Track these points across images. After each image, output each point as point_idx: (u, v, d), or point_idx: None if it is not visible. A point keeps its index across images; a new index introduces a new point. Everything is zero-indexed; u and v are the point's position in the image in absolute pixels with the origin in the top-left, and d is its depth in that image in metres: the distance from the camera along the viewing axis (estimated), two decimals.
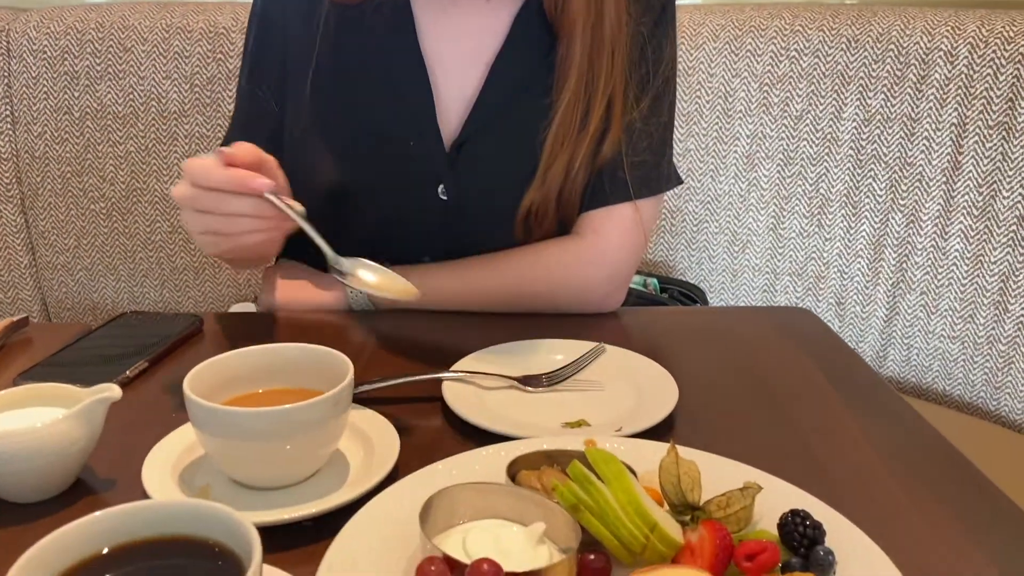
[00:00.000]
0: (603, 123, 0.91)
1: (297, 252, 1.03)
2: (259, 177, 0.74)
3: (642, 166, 0.94)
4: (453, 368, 0.77)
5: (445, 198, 0.94)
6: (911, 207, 1.37)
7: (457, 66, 0.94)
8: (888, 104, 1.36)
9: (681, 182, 1.00)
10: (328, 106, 0.95)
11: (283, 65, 0.97)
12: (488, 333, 0.86)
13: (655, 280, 1.39)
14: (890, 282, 1.41)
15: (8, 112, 1.49)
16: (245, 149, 0.76)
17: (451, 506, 0.52)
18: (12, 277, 1.56)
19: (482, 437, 0.66)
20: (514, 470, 0.56)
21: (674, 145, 0.99)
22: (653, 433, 0.66)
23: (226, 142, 0.99)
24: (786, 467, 0.60)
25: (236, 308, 1.55)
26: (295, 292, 0.97)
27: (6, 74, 1.48)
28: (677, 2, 1.43)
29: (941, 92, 1.31)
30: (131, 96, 1.48)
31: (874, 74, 1.36)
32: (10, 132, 1.50)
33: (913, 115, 1.34)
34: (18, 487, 0.59)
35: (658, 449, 0.60)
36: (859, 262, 1.43)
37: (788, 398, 0.76)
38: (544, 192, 0.92)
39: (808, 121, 1.42)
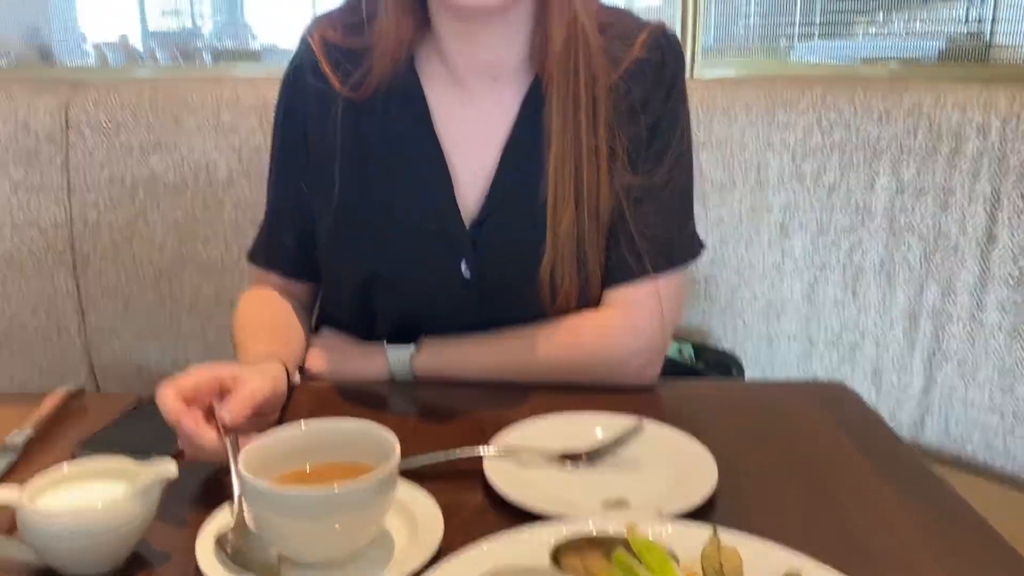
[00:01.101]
0: (595, 181, 0.93)
1: (335, 322, 1.07)
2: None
3: (659, 239, 0.97)
4: (493, 441, 0.79)
5: (468, 275, 0.97)
6: (946, 277, 1.37)
7: (472, 147, 0.98)
8: (921, 176, 1.37)
9: (704, 248, 1.02)
10: (352, 196, 0.99)
11: (307, 162, 1.02)
12: (527, 404, 0.87)
13: (690, 347, 1.40)
14: (927, 352, 1.40)
15: (65, 182, 1.56)
16: (188, 383, 0.78)
17: None
18: (62, 341, 1.61)
19: (524, 515, 0.68)
20: (558, 553, 0.57)
21: (707, 214, 1.01)
22: (694, 513, 0.67)
23: (261, 237, 1.11)
24: (826, 548, 0.60)
25: None
26: (337, 364, 1.00)
27: (64, 146, 1.55)
28: (711, 76, 1.47)
29: (974, 164, 1.33)
30: (181, 166, 1.54)
31: (906, 146, 1.38)
32: (66, 201, 1.56)
33: (946, 187, 1.35)
34: (76, 562, 0.62)
35: (700, 532, 0.61)
36: (895, 332, 1.43)
37: (827, 476, 0.77)
38: (560, 255, 0.94)
39: (841, 192, 1.43)
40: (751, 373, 1.54)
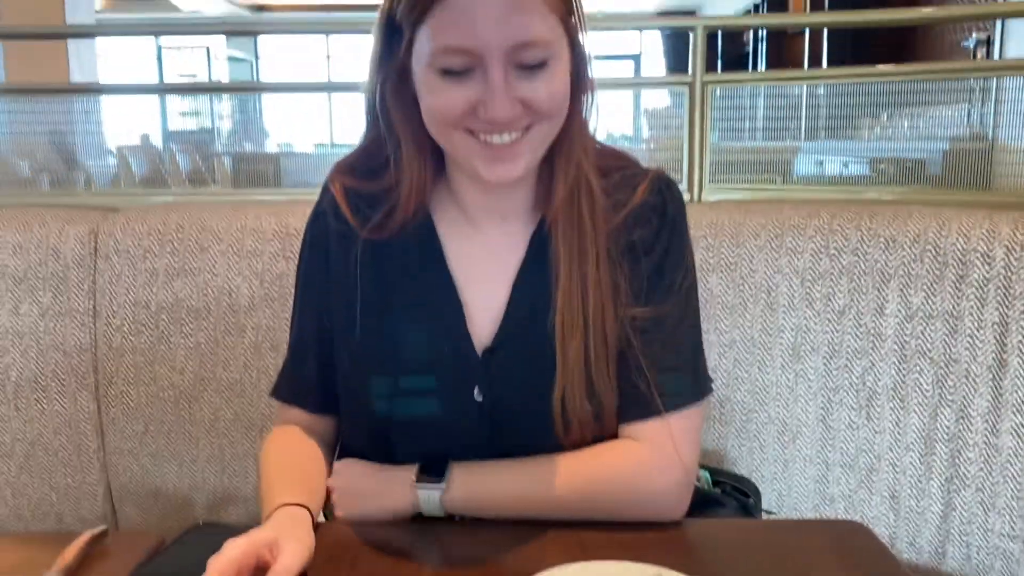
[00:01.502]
0: (600, 313, 0.98)
1: (353, 448, 1.09)
2: None
3: (674, 376, 1.01)
4: None
5: (481, 399, 1.02)
6: (960, 402, 1.38)
7: (484, 282, 1.04)
8: (929, 302, 1.40)
9: (713, 385, 1.07)
10: (371, 330, 1.04)
11: (328, 299, 1.07)
12: (546, 552, 0.88)
13: (706, 472, 1.40)
14: (943, 477, 1.40)
15: (91, 306, 1.60)
16: (230, 566, 0.81)
17: None
18: (81, 461, 1.62)
19: None
20: None
21: (720, 336, 1.07)
22: None
23: (284, 373, 1.15)
24: None
25: None
26: (360, 503, 1.01)
27: (92, 271, 1.60)
28: (719, 198, 1.53)
29: (981, 291, 1.35)
30: (204, 291, 1.58)
31: (913, 272, 1.41)
32: (91, 325, 1.60)
33: (955, 313, 1.37)
34: None
35: None
36: (910, 455, 1.43)
37: None
38: (570, 384, 0.98)
39: (851, 316, 1.46)
40: (767, 496, 1.53)
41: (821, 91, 2.18)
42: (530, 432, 1.02)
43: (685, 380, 1.02)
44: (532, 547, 0.90)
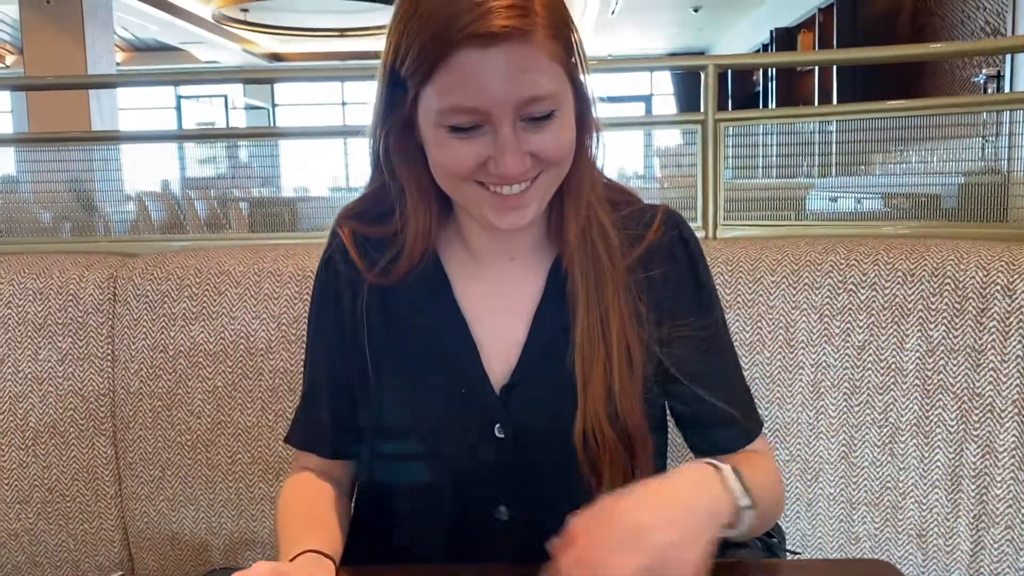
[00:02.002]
0: (624, 339, 0.99)
1: (374, 491, 1.08)
2: None
3: (750, 396, 1.10)
4: None
5: (502, 435, 1.01)
6: (985, 438, 1.35)
7: (497, 320, 1.05)
8: (950, 336, 1.38)
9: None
10: (384, 373, 1.05)
11: (340, 342, 1.07)
12: None
13: None
14: (971, 514, 1.37)
15: (109, 351, 1.61)
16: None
17: None
18: (98, 507, 1.62)
19: None
20: None
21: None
22: None
23: (298, 419, 1.14)
24: None
25: None
26: None
27: (111, 317, 1.61)
28: (734, 235, 1.54)
29: (1002, 325, 1.34)
30: (222, 335, 1.59)
31: (933, 307, 1.40)
32: (109, 370, 1.61)
33: (977, 347, 1.36)
34: None
35: None
36: (936, 493, 1.40)
37: None
38: (592, 414, 0.98)
39: (871, 351, 1.44)
40: (791, 536, 1.51)
41: (832, 127, 2.19)
42: (555, 466, 1.01)
43: (751, 405, 1.10)
44: None
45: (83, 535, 1.62)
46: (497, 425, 1.01)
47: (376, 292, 1.05)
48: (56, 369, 1.61)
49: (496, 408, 1.01)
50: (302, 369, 1.56)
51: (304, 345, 1.56)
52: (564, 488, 1.00)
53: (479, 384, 1.02)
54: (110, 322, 1.61)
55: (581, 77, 0.97)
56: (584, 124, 0.99)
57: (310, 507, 1.06)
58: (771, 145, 2.17)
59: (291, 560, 0.92)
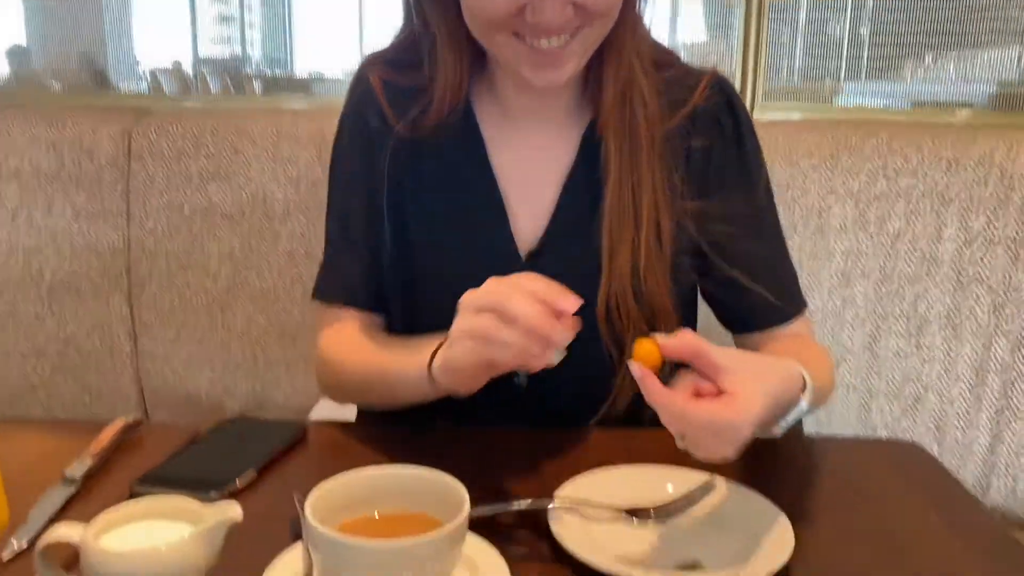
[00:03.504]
0: (655, 216, 0.94)
1: None
2: (569, 300, 0.73)
3: (793, 272, 1.05)
4: (559, 493, 0.76)
5: None
6: (1016, 332, 1.32)
7: (528, 183, 0.99)
8: (991, 227, 1.33)
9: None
10: (408, 230, 1.00)
11: (368, 192, 1.01)
12: (591, 454, 0.85)
13: None
14: (993, 409, 1.35)
15: (124, 208, 1.58)
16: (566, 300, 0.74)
17: None
18: (114, 365, 1.62)
19: (592, 573, 0.65)
20: None
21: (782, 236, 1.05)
22: None
23: (326, 273, 1.06)
24: None
25: (322, 402, 1.58)
26: None
27: (126, 172, 1.57)
28: (773, 117, 1.47)
29: None
30: (239, 196, 1.55)
31: (976, 195, 1.34)
32: (124, 227, 1.58)
33: (1018, 239, 1.31)
34: None
35: None
36: (960, 386, 1.38)
37: (906, 544, 0.73)
38: (617, 287, 0.94)
39: (906, 240, 1.40)
40: (808, 422, 1.50)
41: (865, 30, 2.08)
42: (577, 339, 0.98)
43: (796, 285, 1.04)
44: (575, 451, 0.88)
45: (99, 391, 1.63)
46: None
47: (404, 145, 0.99)
48: (71, 224, 1.58)
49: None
50: (322, 235, 1.54)
51: (322, 210, 1.54)
52: (584, 359, 0.97)
53: (505, 248, 0.98)
54: (125, 178, 1.57)
55: None
56: None
57: (380, 338, 1.00)
58: (799, 45, 2.07)
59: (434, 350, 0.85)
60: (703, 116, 0.99)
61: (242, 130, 1.56)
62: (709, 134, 0.99)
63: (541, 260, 0.98)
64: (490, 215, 0.99)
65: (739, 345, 1.04)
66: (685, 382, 0.70)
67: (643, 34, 0.97)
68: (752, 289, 0.99)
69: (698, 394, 0.69)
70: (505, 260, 0.97)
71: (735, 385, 0.68)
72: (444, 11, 0.93)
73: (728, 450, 0.68)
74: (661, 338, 0.70)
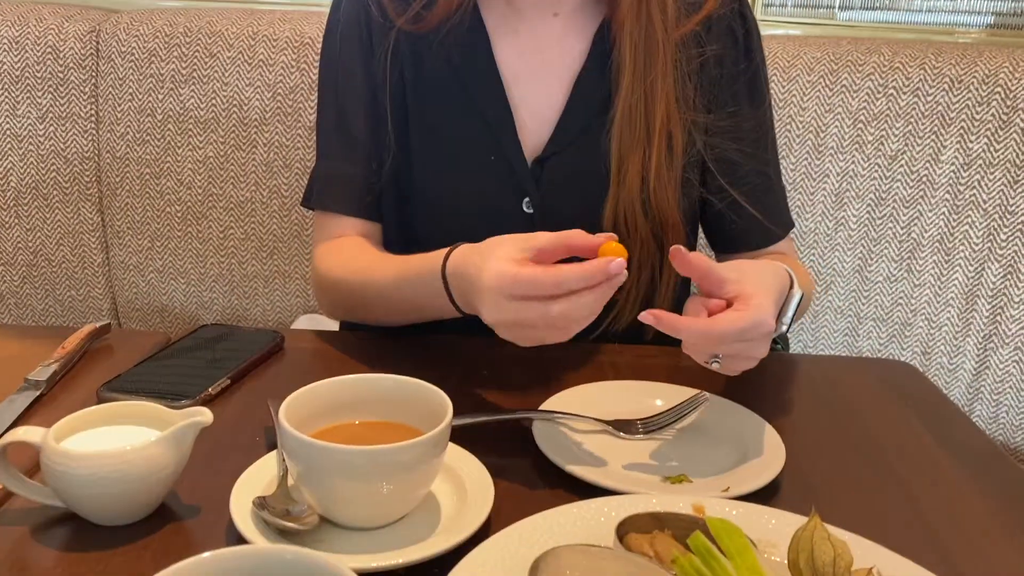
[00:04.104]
0: (667, 123, 0.90)
1: None
2: (611, 262, 0.64)
3: (777, 198, 1.01)
4: (544, 405, 0.74)
5: (531, 211, 0.93)
6: (1010, 257, 1.30)
7: (535, 83, 0.94)
8: (991, 149, 1.30)
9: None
10: (410, 129, 0.94)
11: (366, 90, 0.95)
12: (581, 370, 0.83)
13: None
14: (981, 334, 1.34)
15: (93, 111, 1.51)
16: (550, 242, 0.68)
17: (559, 570, 0.49)
18: (86, 275, 1.57)
19: (575, 484, 0.63)
20: (622, 531, 0.52)
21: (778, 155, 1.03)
22: (759, 495, 0.62)
23: (319, 177, 0.98)
24: (897, 536, 0.57)
25: (303, 319, 1.55)
26: None
27: (94, 74, 1.50)
28: (773, 32, 1.41)
29: None
30: (213, 101, 1.48)
31: (978, 116, 1.31)
32: (94, 132, 1.51)
33: (1018, 162, 1.28)
34: (103, 510, 0.57)
35: (772, 516, 0.56)
36: (949, 311, 1.37)
37: (896, 459, 0.72)
38: (626, 199, 0.90)
39: (903, 161, 1.36)
40: (794, 345, 1.48)
41: None
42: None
43: (786, 204, 1.02)
44: (566, 366, 0.85)
45: (70, 301, 1.59)
46: (526, 200, 0.92)
47: (405, 40, 0.93)
48: (36, 127, 1.51)
49: (527, 181, 0.92)
50: (299, 144, 1.48)
51: (300, 117, 1.48)
52: None
53: (511, 153, 0.92)
54: (93, 80, 1.50)
55: None
56: None
57: (379, 252, 0.94)
58: None
59: (447, 255, 0.78)
60: (717, 23, 0.94)
61: (216, 31, 1.48)
62: (722, 43, 0.94)
63: (547, 166, 0.93)
64: (495, 115, 0.93)
65: (721, 261, 1.01)
66: (695, 307, 0.69)
67: None
68: (749, 211, 0.96)
69: (710, 313, 0.67)
70: (510, 166, 0.92)
71: (743, 288, 0.67)
72: None
73: (761, 349, 0.68)
74: (673, 262, 0.68)
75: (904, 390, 0.86)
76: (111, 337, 0.89)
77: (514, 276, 0.65)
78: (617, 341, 0.90)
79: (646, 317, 0.65)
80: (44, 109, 1.51)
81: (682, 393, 0.76)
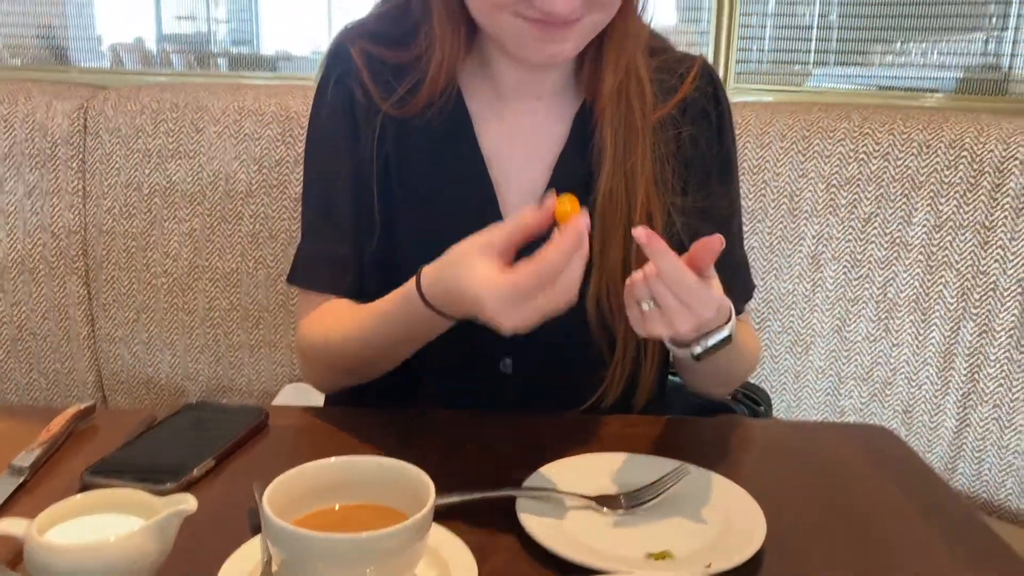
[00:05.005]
0: (647, 206, 0.92)
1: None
2: (579, 220, 0.71)
3: (747, 269, 1.04)
4: (529, 481, 0.74)
5: None
6: (984, 316, 1.33)
7: (518, 164, 0.96)
8: (961, 211, 1.33)
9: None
10: (395, 209, 0.96)
11: (353, 170, 0.97)
12: (560, 443, 0.83)
13: None
14: (960, 392, 1.36)
15: (80, 186, 1.53)
16: (509, 237, 0.74)
17: None
18: (71, 348, 1.57)
19: (560, 562, 0.64)
20: None
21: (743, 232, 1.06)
22: (743, 569, 0.63)
23: (305, 255, 0.99)
24: None
25: (288, 388, 1.55)
26: None
27: (81, 150, 1.52)
28: (745, 100, 1.45)
29: (1017, 201, 1.29)
30: (200, 175, 1.51)
31: (946, 180, 1.34)
32: (80, 206, 1.53)
33: (987, 223, 1.31)
34: None
35: None
36: (928, 370, 1.38)
37: (876, 527, 0.72)
38: (608, 279, 0.92)
39: (876, 224, 1.40)
40: (777, 406, 1.50)
41: (834, 14, 2.08)
42: (565, 324, 0.95)
43: (749, 275, 1.04)
44: (547, 438, 0.86)
45: (55, 375, 1.59)
46: None
47: (391, 124, 0.95)
48: (23, 202, 1.53)
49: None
50: (285, 215, 1.51)
51: (286, 189, 1.51)
52: (572, 346, 0.95)
53: None
54: (80, 155, 1.52)
55: None
56: None
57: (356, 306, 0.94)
58: (767, 27, 2.06)
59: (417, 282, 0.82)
60: (692, 106, 0.97)
61: (203, 106, 1.51)
62: (697, 125, 0.97)
63: (531, 243, 0.94)
64: (478, 196, 0.95)
65: None
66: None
67: (642, 23, 0.94)
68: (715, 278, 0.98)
69: None
70: None
71: (712, 279, 0.75)
72: None
73: (686, 325, 0.73)
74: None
75: (883, 454, 0.87)
76: (96, 417, 0.90)
77: (513, 285, 0.70)
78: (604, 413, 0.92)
79: (639, 234, 0.71)
80: (32, 185, 1.52)
81: (665, 465, 0.77)
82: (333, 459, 0.64)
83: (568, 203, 0.72)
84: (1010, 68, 1.97)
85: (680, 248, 0.96)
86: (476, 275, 0.72)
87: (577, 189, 0.92)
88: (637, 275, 0.74)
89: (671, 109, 0.95)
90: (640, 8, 0.92)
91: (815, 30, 2.13)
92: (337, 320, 0.94)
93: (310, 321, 0.97)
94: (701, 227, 0.96)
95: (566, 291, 0.71)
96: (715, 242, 0.73)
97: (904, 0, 1.86)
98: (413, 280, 0.82)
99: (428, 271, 0.81)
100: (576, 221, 0.71)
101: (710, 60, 1.72)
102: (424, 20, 0.91)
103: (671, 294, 0.72)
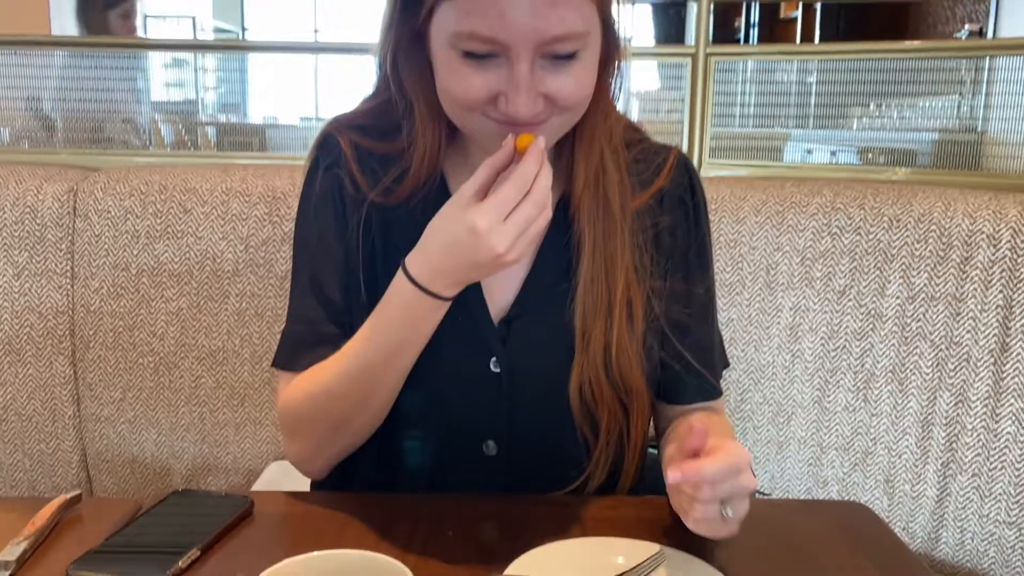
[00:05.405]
0: (627, 295, 0.95)
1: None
2: (537, 144, 0.82)
3: (721, 355, 1.07)
4: (511, 568, 0.75)
5: (497, 370, 0.95)
6: (959, 386, 1.35)
7: None
8: (932, 283, 1.37)
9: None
10: (381, 293, 0.96)
11: (342, 258, 0.99)
12: (540, 527, 0.84)
13: None
14: (940, 461, 1.38)
15: (68, 267, 1.55)
16: (498, 158, 0.83)
17: None
18: (56, 428, 1.57)
19: None
20: None
21: (717, 314, 1.08)
22: None
23: (292, 340, 1.00)
24: None
25: (273, 465, 1.55)
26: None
27: (70, 232, 1.54)
28: (719, 174, 1.49)
29: (985, 274, 1.33)
30: (187, 255, 1.53)
31: (917, 253, 1.38)
32: (68, 287, 1.55)
33: (958, 295, 1.35)
34: None
35: None
36: (907, 439, 1.40)
37: None
38: (590, 367, 0.94)
39: (851, 296, 1.43)
40: (760, 477, 1.51)
41: (812, 78, 2.15)
42: (549, 409, 0.96)
43: (722, 360, 1.07)
44: (529, 522, 0.87)
45: (40, 455, 1.58)
46: (493, 359, 0.95)
47: (376, 212, 0.98)
48: (11, 284, 1.55)
49: (493, 340, 0.95)
50: (272, 293, 1.53)
51: (272, 268, 1.53)
52: (556, 430, 0.96)
53: (477, 312, 0.95)
54: (69, 237, 1.55)
55: (614, 13, 0.89)
56: (608, 64, 0.92)
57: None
58: (748, 94, 2.13)
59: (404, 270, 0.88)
60: (669, 196, 1.01)
61: (191, 187, 1.54)
62: (674, 214, 1.01)
63: (514, 327, 0.96)
64: None
65: (660, 409, 1.05)
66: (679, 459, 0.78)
67: (615, 121, 0.97)
68: (698, 369, 1.01)
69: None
70: (477, 325, 0.96)
71: (716, 443, 0.78)
72: (422, 80, 0.92)
73: (750, 478, 0.77)
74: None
75: (859, 532, 0.89)
76: (82, 506, 0.90)
77: (498, 198, 0.80)
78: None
79: (675, 476, 0.74)
80: (20, 266, 1.54)
81: (643, 548, 0.78)
82: (316, 553, 0.65)
83: (526, 139, 0.83)
84: (983, 131, 2.04)
85: (660, 333, 0.99)
86: (464, 212, 0.80)
87: (559, 276, 0.96)
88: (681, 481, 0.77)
89: (648, 199, 0.98)
90: (612, 100, 0.96)
91: (792, 95, 2.20)
92: (316, 373, 0.95)
93: (289, 388, 0.98)
94: (681, 312, 0.99)
95: (542, 197, 0.80)
96: (698, 424, 0.78)
97: (879, 68, 1.93)
98: (395, 278, 0.87)
99: (411, 255, 0.87)
100: (536, 142, 0.82)
101: (684, 137, 1.79)
102: (407, 116, 0.95)
103: (728, 484, 0.76)
